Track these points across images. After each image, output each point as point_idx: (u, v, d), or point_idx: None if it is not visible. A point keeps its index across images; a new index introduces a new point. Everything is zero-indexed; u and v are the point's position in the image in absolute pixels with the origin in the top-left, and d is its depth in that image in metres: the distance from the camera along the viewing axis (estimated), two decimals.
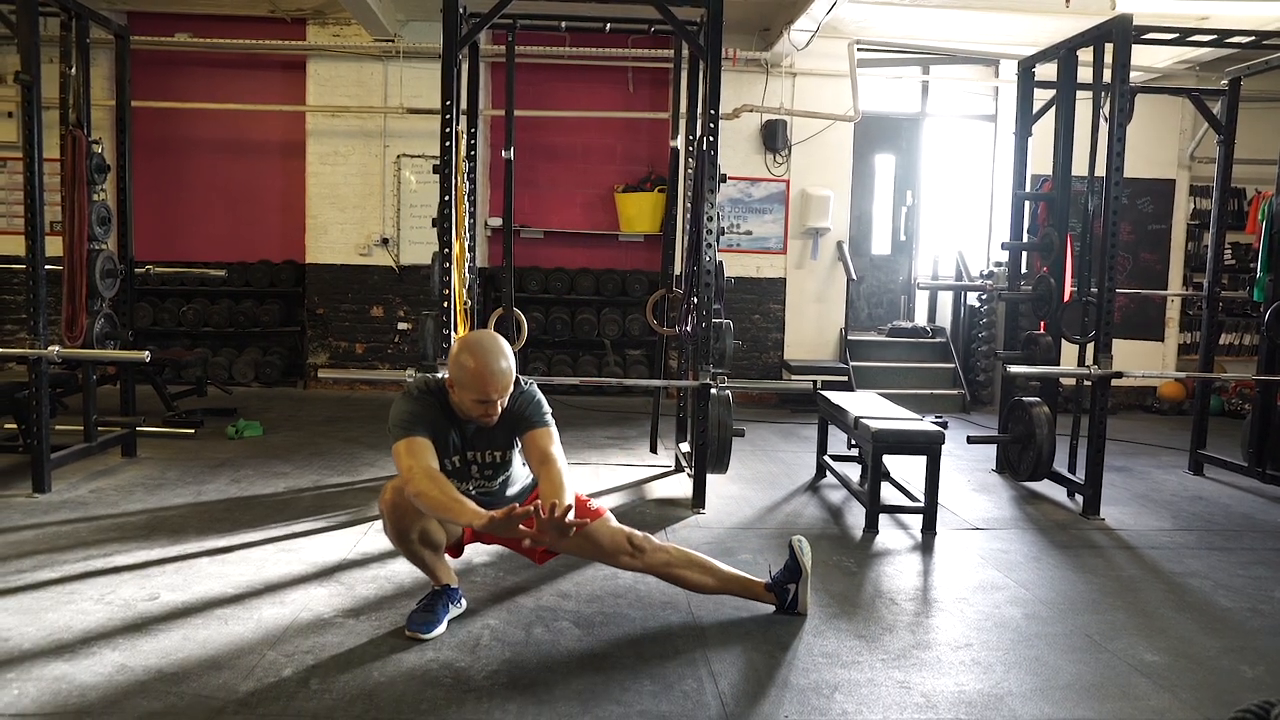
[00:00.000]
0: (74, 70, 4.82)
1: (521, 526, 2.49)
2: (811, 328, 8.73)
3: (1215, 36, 5.26)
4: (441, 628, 2.94)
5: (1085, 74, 5.22)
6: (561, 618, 3.10)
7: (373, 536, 3.95)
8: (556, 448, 2.87)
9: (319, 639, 2.86)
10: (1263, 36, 5.30)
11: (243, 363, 8.24)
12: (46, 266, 4.51)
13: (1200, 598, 3.54)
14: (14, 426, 5.13)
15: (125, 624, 2.93)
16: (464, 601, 3.10)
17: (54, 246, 4.63)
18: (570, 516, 2.50)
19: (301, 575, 3.45)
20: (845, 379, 8.12)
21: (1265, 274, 5.42)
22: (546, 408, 2.97)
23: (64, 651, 2.71)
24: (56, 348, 4.49)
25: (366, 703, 2.46)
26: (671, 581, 3.11)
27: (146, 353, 4.65)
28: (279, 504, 4.46)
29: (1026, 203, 5.81)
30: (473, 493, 2.97)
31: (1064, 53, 5.27)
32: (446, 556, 3.12)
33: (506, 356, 2.80)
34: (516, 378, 2.90)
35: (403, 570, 3.53)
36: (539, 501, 2.53)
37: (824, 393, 5.41)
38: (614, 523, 3.04)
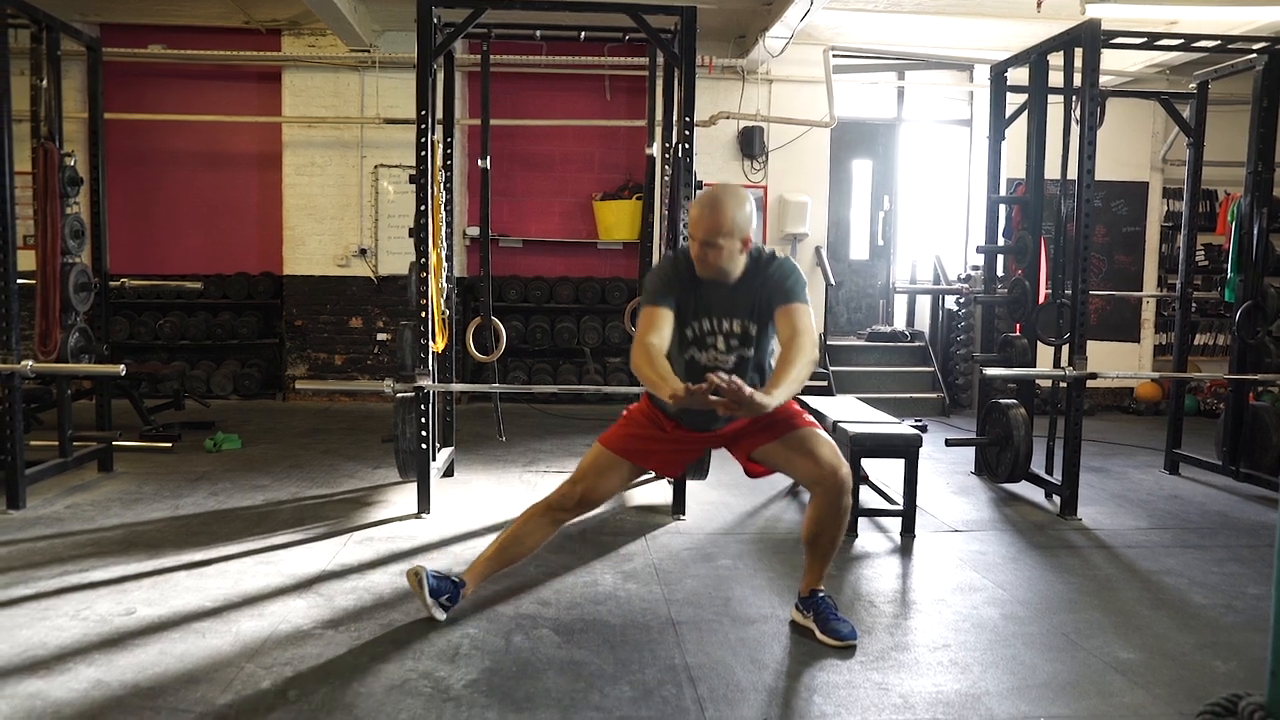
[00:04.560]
0: (45, 82, 4.78)
1: (712, 398, 2.52)
2: None
3: (1182, 41, 5.33)
4: (442, 612, 3.07)
5: (1057, 78, 5.29)
6: (541, 625, 3.10)
7: (351, 548, 3.94)
8: (805, 325, 2.80)
9: (298, 651, 2.85)
10: (1228, 40, 5.38)
11: (220, 375, 8.18)
12: (19, 281, 4.47)
13: (1175, 595, 3.57)
14: None
15: (101, 639, 2.91)
16: (446, 613, 3.11)
17: (27, 261, 4.59)
18: (741, 390, 2.49)
19: (280, 587, 3.43)
20: (825, 384, 8.15)
21: (1236, 275, 5.50)
22: (803, 283, 2.90)
23: (39, 668, 2.69)
24: (30, 363, 4.45)
25: (345, 713, 2.45)
26: (817, 511, 2.97)
27: (122, 366, 4.63)
28: (257, 516, 4.44)
29: (1001, 206, 5.86)
30: (715, 365, 2.93)
31: (1035, 58, 5.33)
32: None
33: (740, 203, 2.82)
34: (773, 252, 2.95)
35: (381, 581, 3.52)
36: (710, 375, 2.56)
37: (803, 397, 5.42)
38: (828, 442, 2.96)
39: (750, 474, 3.12)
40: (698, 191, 4.81)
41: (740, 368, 2.97)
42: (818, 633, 3.00)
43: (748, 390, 2.51)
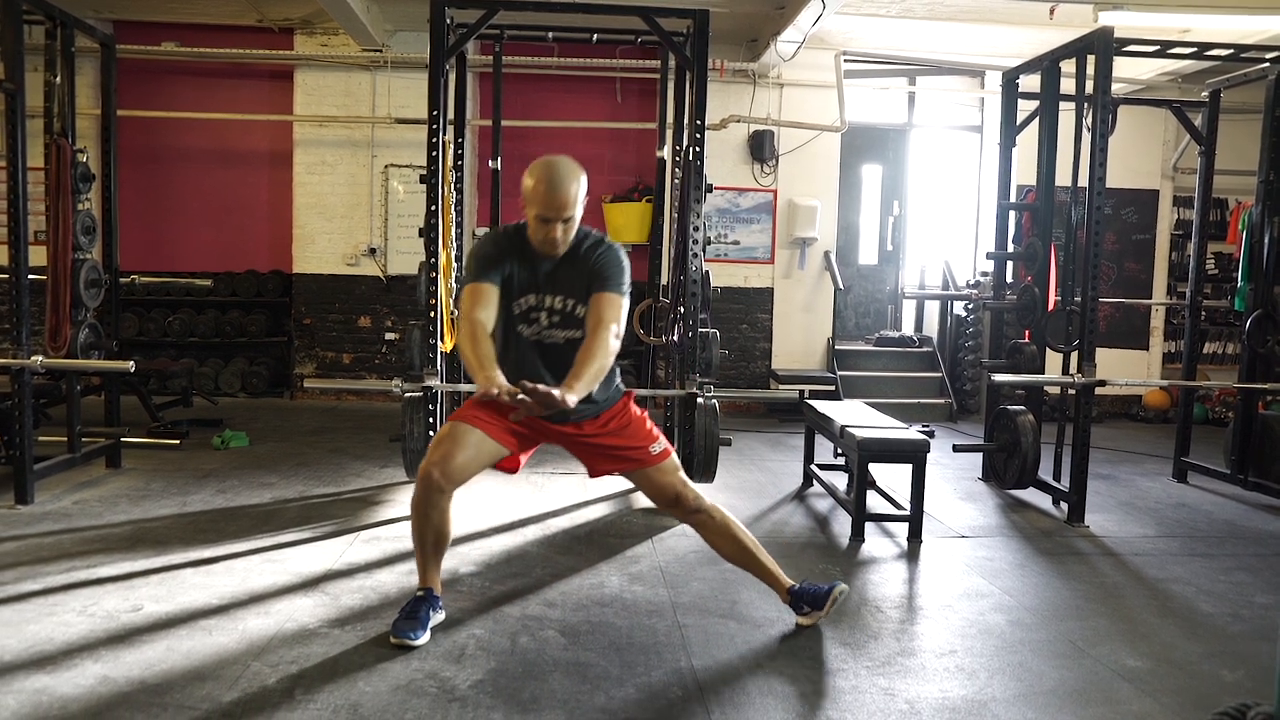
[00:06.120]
0: (59, 79, 4.80)
1: (520, 398, 2.54)
2: (799, 337, 8.76)
3: (1195, 49, 5.31)
4: (426, 635, 2.93)
5: (1069, 85, 5.28)
6: (547, 627, 3.10)
7: (358, 547, 3.94)
8: (612, 317, 2.81)
9: (304, 649, 2.85)
10: (1241, 49, 5.37)
11: (229, 373, 8.21)
12: (30, 276, 4.49)
13: (1182, 604, 3.56)
14: None
15: (108, 635, 2.91)
16: (443, 610, 3.10)
17: (38, 256, 4.61)
18: (550, 395, 2.53)
19: (286, 586, 3.44)
20: (833, 388, 8.14)
21: (1246, 283, 5.47)
22: (625, 274, 2.88)
23: (45, 663, 2.69)
24: (40, 358, 4.47)
25: (351, 713, 2.45)
26: (702, 537, 3.13)
27: (131, 363, 4.64)
28: (264, 515, 4.45)
29: (1011, 213, 5.85)
30: (538, 340, 2.92)
31: (1047, 64, 5.32)
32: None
33: (576, 179, 2.79)
34: (602, 236, 2.93)
35: (388, 580, 3.52)
36: (523, 383, 2.57)
37: (810, 402, 5.42)
38: (672, 473, 3.01)
39: (592, 474, 3.15)
40: (701, 193, 4.82)
41: (569, 350, 2.87)
42: (817, 613, 3.08)
43: (557, 394, 2.56)
